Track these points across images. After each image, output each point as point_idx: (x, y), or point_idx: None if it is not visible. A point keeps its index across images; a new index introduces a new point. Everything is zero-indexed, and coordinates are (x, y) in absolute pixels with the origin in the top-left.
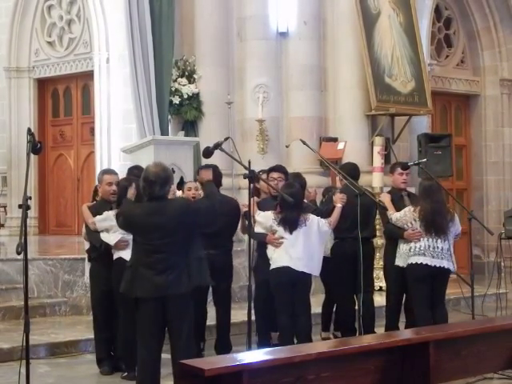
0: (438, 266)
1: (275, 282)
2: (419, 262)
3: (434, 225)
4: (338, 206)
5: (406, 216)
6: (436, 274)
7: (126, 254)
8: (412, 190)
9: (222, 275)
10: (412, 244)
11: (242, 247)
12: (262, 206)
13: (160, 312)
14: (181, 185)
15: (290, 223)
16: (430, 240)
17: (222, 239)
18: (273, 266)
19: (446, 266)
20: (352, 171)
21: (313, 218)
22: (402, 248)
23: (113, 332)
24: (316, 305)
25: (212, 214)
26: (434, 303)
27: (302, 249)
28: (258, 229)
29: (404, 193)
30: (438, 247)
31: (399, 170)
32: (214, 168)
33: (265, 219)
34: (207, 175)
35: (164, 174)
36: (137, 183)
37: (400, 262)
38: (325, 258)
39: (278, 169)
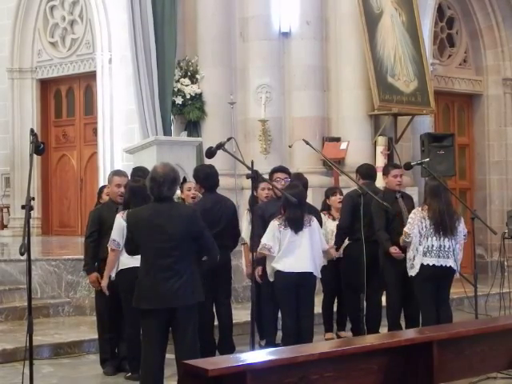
0: (443, 265)
1: (280, 285)
2: (425, 264)
3: (443, 224)
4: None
5: (415, 218)
6: (441, 274)
7: (132, 262)
8: (414, 190)
9: (223, 275)
10: (424, 244)
11: None
12: (266, 208)
13: (165, 320)
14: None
15: (295, 223)
16: (438, 239)
17: (221, 239)
18: (277, 267)
19: (452, 266)
20: (369, 171)
21: (316, 221)
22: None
23: (117, 332)
24: (319, 305)
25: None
26: (439, 303)
27: (308, 248)
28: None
29: (398, 194)
30: (444, 246)
31: (394, 171)
32: (210, 168)
33: (271, 230)
34: None
35: (173, 175)
36: (129, 186)
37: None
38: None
39: (283, 169)
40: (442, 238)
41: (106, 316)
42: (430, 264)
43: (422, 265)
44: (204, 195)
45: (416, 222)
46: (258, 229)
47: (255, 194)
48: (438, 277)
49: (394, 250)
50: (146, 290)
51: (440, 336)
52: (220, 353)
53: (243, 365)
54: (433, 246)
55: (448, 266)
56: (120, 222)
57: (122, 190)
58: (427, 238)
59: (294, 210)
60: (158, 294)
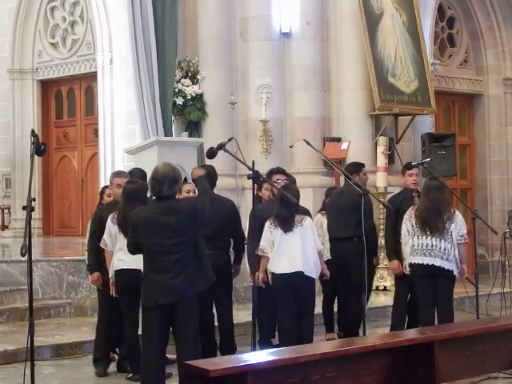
0: (430, 264)
1: (275, 286)
2: (413, 262)
3: (429, 223)
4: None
5: (405, 217)
6: (431, 273)
7: (121, 264)
8: None
9: (222, 276)
10: (410, 243)
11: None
12: (265, 209)
13: (167, 317)
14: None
15: (284, 222)
16: (425, 238)
17: (219, 240)
18: (271, 269)
19: (437, 265)
20: (349, 167)
21: (310, 221)
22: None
23: (115, 333)
24: (319, 305)
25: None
26: (438, 302)
27: (299, 249)
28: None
29: (415, 194)
30: (431, 245)
31: (409, 171)
32: (208, 168)
33: (265, 230)
34: (198, 172)
35: (173, 174)
36: (127, 186)
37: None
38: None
39: (282, 171)
40: (429, 237)
41: (106, 315)
42: (418, 263)
43: (410, 264)
44: (199, 194)
45: (404, 221)
46: (254, 230)
47: (259, 194)
48: (429, 276)
49: (396, 264)
50: (157, 288)
51: (441, 336)
52: (221, 354)
53: (245, 365)
54: (419, 244)
55: (437, 265)
56: (109, 222)
57: None
58: (413, 237)
59: (281, 208)
60: (168, 290)
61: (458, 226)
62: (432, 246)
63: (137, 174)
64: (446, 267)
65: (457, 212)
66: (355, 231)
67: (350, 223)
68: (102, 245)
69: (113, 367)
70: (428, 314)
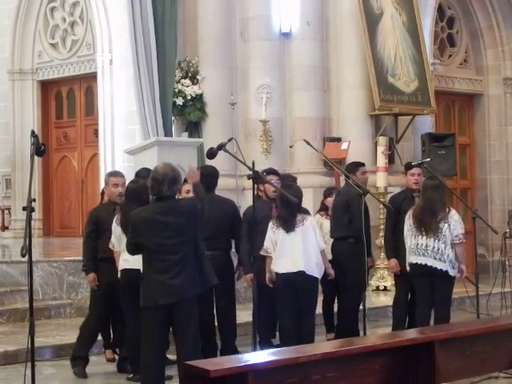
0: (423, 264)
1: (277, 285)
2: (410, 262)
3: (423, 222)
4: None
5: (406, 216)
6: (430, 273)
7: (124, 264)
8: None
9: (221, 277)
10: (408, 242)
11: None
12: (259, 209)
13: (167, 317)
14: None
15: (285, 222)
16: (420, 238)
17: (218, 239)
18: (274, 269)
19: (429, 264)
20: (348, 167)
21: (311, 220)
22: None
23: (118, 333)
24: (319, 305)
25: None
26: (435, 302)
27: (300, 248)
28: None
29: (416, 194)
30: (425, 245)
31: (411, 170)
32: (208, 169)
33: (268, 230)
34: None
35: (172, 174)
36: (128, 186)
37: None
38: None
39: (275, 171)
40: (424, 237)
41: (95, 315)
42: (413, 262)
43: (408, 263)
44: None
45: (405, 221)
46: (247, 231)
47: (259, 194)
48: (427, 275)
49: (393, 263)
50: (156, 288)
51: (441, 336)
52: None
53: (245, 365)
54: (416, 244)
55: (429, 265)
56: (114, 223)
57: (120, 189)
58: (411, 237)
59: (282, 208)
60: (168, 290)
61: (452, 225)
62: (426, 245)
63: (144, 173)
64: (438, 267)
65: (452, 212)
66: (348, 231)
67: (343, 223)
68: (110, 246)
69: (111, 367)
70: (424, 313)
